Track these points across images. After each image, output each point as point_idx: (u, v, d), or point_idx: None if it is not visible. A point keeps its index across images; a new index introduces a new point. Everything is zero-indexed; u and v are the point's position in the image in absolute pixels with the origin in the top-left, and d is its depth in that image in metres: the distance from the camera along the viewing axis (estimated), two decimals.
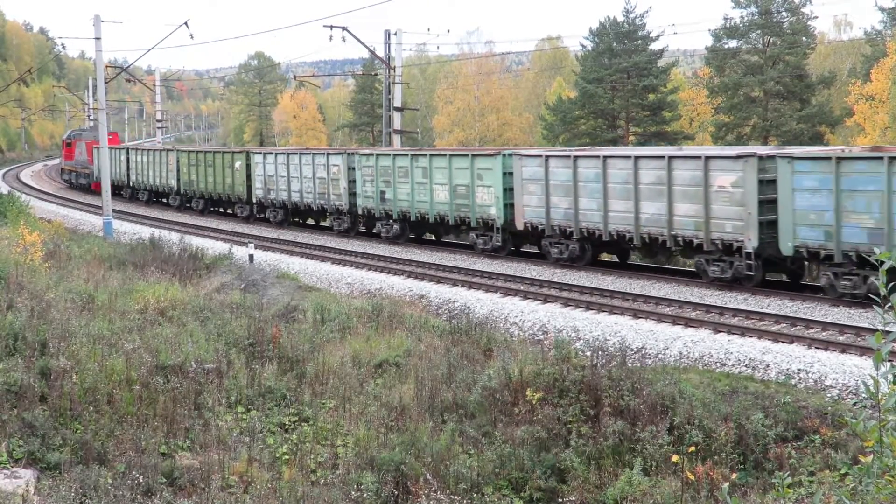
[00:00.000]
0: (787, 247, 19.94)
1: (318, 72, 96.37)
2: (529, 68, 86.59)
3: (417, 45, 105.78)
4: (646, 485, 11.34)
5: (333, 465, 12.07)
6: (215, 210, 45.22)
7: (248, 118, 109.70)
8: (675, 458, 11.02)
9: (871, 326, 16.68)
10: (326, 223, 37.07)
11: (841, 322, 17.66)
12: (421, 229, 32.36)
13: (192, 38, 59.41)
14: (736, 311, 19.02)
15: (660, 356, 16.71)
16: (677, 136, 52.95)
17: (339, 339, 17.40)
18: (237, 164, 40.60)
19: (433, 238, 33.15)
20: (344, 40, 44.46)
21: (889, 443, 4.52)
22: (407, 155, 31.04)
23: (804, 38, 50.64)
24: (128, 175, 52.88)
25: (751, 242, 20.63)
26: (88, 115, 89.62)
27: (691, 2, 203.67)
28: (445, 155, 29.53)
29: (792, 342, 16.63)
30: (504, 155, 27.42)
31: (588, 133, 53.94)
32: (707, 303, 20.02)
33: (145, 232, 34.74)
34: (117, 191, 51.04)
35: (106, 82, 40.50)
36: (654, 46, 55.67)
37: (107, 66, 45.71)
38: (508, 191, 26.92)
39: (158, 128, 74.97)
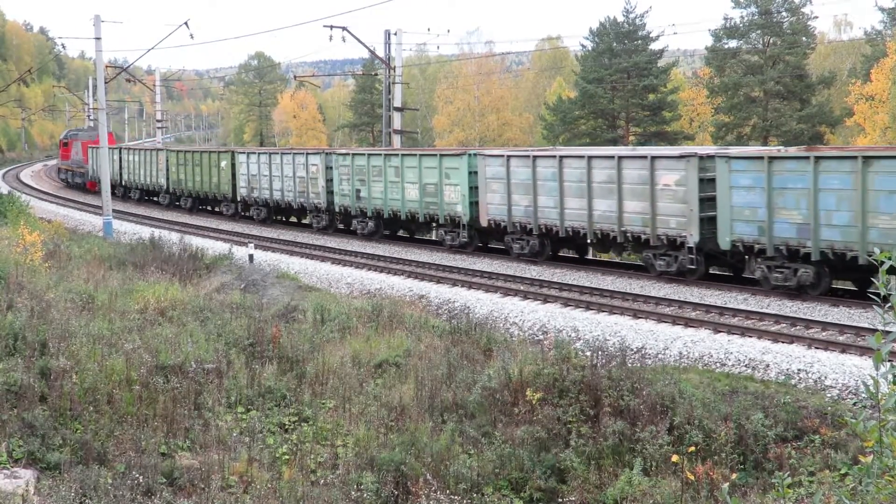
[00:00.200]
0: (724, 241, 21.11)
1: (318, 72, 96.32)
2: (529, 68, 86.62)
3: (417, 45, 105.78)
4: (646, 485, 11.34)
5: (333, 465, 12.06)
6: (203, 208, 46.27)
7: (248, 118, 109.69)
8: (675, 458, 11.02)
9: (871, 326, 16.69)
10: (307, 220, 38.07)
11: (841, 322, 17.66)
12: (394, 226, 33.31)
13: (192, 38, 59.52)
14: (736, 311, 19.02)
15: (660, 356, 16.71)
16: (677, 136, 52.96)
17: (339, 339, 17.40)
18: (223, 164, 41.75)
19: (407, 235, 34.06)
20: (344, 40, 44.44)
21: (889, 443, 4.52)
22: (380, 154, 32.14)
23: (804, 38, 50.66)
24: (120, 174, 53.88)
25: (693, 237, 21.83)
26: (88, 115, 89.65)
27: (691, 2, 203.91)
28: (416, 155, 30.71)
29: (792, 342, 16.63)
30: (469, 155, 28.59)
31: (588, 133, 53.96)
32: (707, 303, 20.03)
33: (145, 232, 34.76)
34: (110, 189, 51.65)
35: (106, 82, 40.52)
36: (654, 46, 55.72)
37: (107, 66, 45.78)
38: (474, 189, 28.12)
39: (158, 128, 74.91)
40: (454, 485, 11.48)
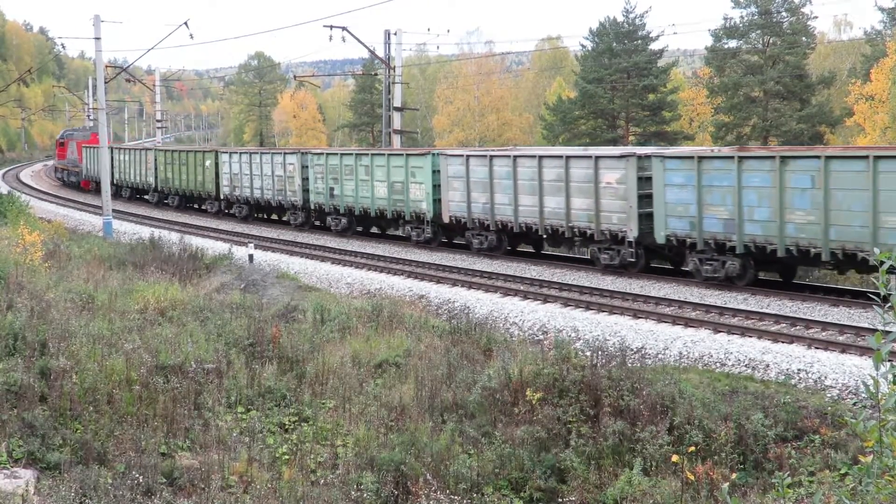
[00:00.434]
0: (660, 236, 22.53)
1: (318, 72, 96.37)
2: (529, 68, 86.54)
3: (417, 45, 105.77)
4: (646, 485, 11.33)
5: (333, 465, 12.06)
6: (189, 206, 47.16)
7: (248, 118, 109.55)
8: (675, 458, 11.02)
9: (871, 326, 16.69)
10: (286, 218, 39.08)
11: (841, 322, 17.67)
12: (365, 223, 34.60)
13: (191, 38, 59.58)
14: (736, 311, 19.03)
15: (660, 356, 16.71)
16: (677, 136, 52.90)
17: (338, 339, 17.40)
18: (207, 163, 42.99)
19: (378, 231, 35.02)
20: (344, 40, 44.49)
21: (889, 443, 4.52)
22: (352, 154, 33.74)
23: (804, 38, 50.57)
24: (112, 173, 54.15)
25: (632, 232, 23.27)
26: (88, 115, 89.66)
27: (691, 2, 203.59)
28: (384, 154, 32.06)
29: (792, 342, 16.63)
30: (433, 154, 29.91)
31: (588, 133, 53.87)
32: (707, 303, 20.03)
33: (144, 232, 34.77)
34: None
35: (106, 82, 40.53)
36: (654, 46, 55.62)
37: (107, 66, 45.86)
38: (437, 187, 29.36)
39: (158, 128, 74.96)
40: (454, 485, 11.47)
